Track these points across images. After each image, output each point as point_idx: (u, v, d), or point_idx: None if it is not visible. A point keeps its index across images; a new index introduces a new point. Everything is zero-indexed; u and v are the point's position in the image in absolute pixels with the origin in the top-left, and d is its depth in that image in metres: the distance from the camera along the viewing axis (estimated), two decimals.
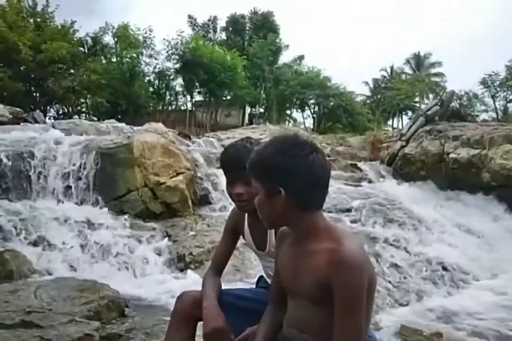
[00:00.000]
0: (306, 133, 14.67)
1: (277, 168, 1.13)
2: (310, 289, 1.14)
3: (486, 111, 27.63)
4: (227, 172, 1.59)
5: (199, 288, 1.60)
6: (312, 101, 31.81)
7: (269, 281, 1.67)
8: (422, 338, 2.97)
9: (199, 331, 1.52)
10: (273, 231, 1.54)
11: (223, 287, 1.64)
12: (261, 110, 32.59)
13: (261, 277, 1.78)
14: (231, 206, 1.77)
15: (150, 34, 24.58)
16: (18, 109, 10.39)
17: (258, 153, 1.19)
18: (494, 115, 26.70)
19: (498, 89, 25.97)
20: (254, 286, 1.81)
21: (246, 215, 1.65)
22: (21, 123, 8.92)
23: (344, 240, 1.13)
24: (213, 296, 1.51)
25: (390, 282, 4.32)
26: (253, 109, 32.74)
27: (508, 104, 27.40)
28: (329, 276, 1.08)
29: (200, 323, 1.51)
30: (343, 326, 1.08)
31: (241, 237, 1.73)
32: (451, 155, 7.85)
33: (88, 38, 25.25)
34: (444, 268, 4.71)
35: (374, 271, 1.14)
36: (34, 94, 22.86)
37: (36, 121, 9.95)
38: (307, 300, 1.16)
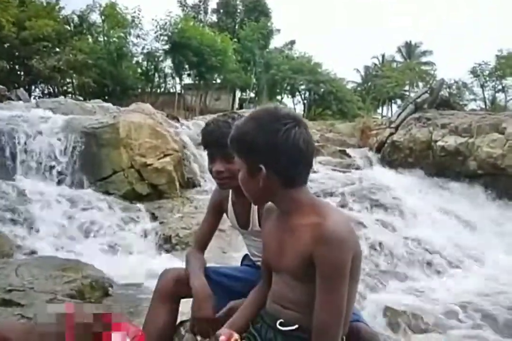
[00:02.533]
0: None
1: (257, 145, 1.08)
2: (294, 264, 1.11)
3: (475, 100, 27.89)
4: (207, 148, 1.54)
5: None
6: (302, 87, 31.63)
7: (253, 259, 1.65)
8: (405, 319, 3.02)
9: (181, 307, 1.50)
10: (256, 209, 1.51)
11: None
12: (252, 95, 32.29)
13: (246, 255, 1.76)
14: None
15: (138, 14, 24.00)
16: (1, 86, 10.10)
17: (238, 129, 1.14)
18: (482, 105, 26.95)
19: (487, 78, 26.15)
20: (239, 265, 1.79)
21: (230, 193, 1.61)
22: (4, 102, 8.68)
23: (329, 214, 1.09)
24: (201, 273, 1.48)
25: (375, 264, 4.37)
26: (243, 94, 32.42)
27: (497, 94, 27.65)
28: (312, 251, 1.06)
29: (183, 300, 1.48)
30: (324, 301, 1.06)
31: (225, 216, 1.69)
32: (439, 143, 7.90)
33: (75, 16, 24.54)
34: (429, 252, 4.79)
35: (359, 246, 1.12)
36: (19, 72, 22.28)
37: (20, 100, 9.69)
38: (291, 276, 1.14)
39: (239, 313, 1.29)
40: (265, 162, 1.09)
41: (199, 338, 1.46)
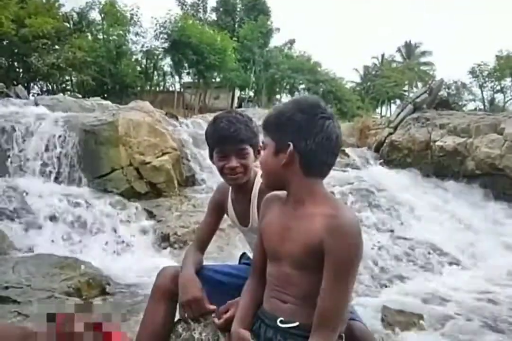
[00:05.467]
0: None
1: (292, 122, 1.11)
2: (299, 250, 1.11)
3: (474, 100, 27.93)
4: (220, 145, 1.50)
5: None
6: (302, 86, 31.64)
7: (251, 257, 1.65)
8: (404, 319, 3.02)
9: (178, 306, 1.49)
10: (255, 206, 1.51)
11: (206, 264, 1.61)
12: (251, 93, 32.26)
13: (244, 253, 1.76)
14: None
15: (137, 12, 23.92)
16: None
17: (277, 109, 1.18)
18: (481, 105, 27.00)
19: (486, 79, 26.16)
20: (237, 263, 1.78)
21: (230, 191, 1.61)
22: (3, 98, 8.65)
23: (342, 208, 1.12)
24: (191, 265, 1.48)
25: (373, 264, 4.37)
26: (243, 93, 32.38)
27: (495, 95, 27.67)
28: (322, 240, 1.06)
29: None
30: (332, 290, 1.06)
31: (225, 215, 1.69)
32: (438, 143, 7.91)
33: (74, 14, 24.42)
34: (427, 252, 4.79)
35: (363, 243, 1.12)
36: (17, 70, 22.17)
37: (18, 97, 9.66)
38: (291, 264, 1.14)
39: (245, 312, 1.27)
40: (295, 140, 1.11)
41: (196, 335, 1.45)
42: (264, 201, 1.29)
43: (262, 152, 1.22)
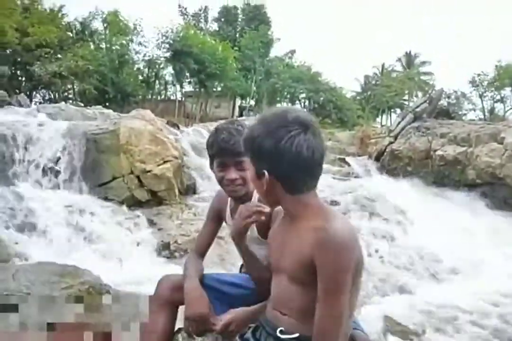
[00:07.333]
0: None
1: (263, 150, 1.09)
2: (294, 267, 1.11)
3: (474, 110, 28.03)
4: (219, 157, 1.51)
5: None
6: (302, 95, 31.81)
7: None
8: (405, 329, 3.00)
9: (179, 315, 1.49)
10: None
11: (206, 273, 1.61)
12: (252, 102, 32.45)
13: None
14: None
15: (140, 22, 24.22)
16: (1, 91, 10.13)
17: (249, 132, 1.15)
18: (481, 115, 27.09)
19: (486, 89, 26.31)
20: (238, 272, 1.78)
21: (229, 200, 1.61)
22: (5, 106, 8.70)
23: (334, 219, 1.09)
24: (195, 277, 1.48)
25: (375, 273, 4.35)
26: (243, 102, 32.58)
27: (495, 104, 27.80)
28: (313, 255, 1.04)
29: (181, 307, 1.48)
30: (324, 307, 1.04)
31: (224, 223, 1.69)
32: (438, 152, 7.93)
33: (77, 23, 24.74)
34: (427, 261, 4.77)
35: (361, 252, 1.10)
36: (20, 78, 22.38)
37: (21, 105, 9.72)
38: (290, 278, 1.13)
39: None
40: (269, 168, 1.10)
41: None
42: (273, 214, 1.29)
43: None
